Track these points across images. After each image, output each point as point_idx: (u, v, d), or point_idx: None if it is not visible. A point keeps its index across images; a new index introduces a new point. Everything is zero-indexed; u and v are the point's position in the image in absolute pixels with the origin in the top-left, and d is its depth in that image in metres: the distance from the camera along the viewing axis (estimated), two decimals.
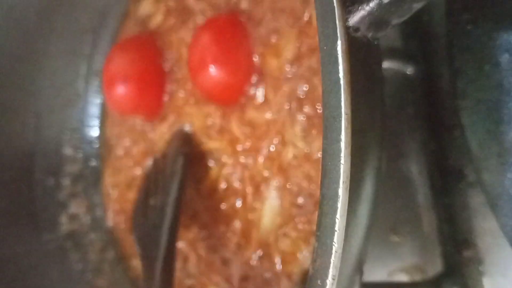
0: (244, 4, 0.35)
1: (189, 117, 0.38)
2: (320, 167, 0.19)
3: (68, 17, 0.45)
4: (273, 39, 0.33)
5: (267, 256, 0.33)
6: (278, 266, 0.32)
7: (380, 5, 0.19)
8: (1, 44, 0.43)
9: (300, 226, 0.31)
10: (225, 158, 0.36)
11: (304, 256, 0.31)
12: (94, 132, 0.48)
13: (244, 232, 0.35)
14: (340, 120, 0.18)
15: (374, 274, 0.37)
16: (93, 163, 0.48)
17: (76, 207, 0.46)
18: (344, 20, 0.18)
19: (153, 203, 0.37)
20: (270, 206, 0.32)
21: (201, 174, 0.37)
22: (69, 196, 0.46)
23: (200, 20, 0.38)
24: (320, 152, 0.30)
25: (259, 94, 0.33)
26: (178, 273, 0.38)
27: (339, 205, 0.18)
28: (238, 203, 0.35)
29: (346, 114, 0.18)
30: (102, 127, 0.47)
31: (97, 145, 0.48)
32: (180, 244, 0.39)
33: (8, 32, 0.43)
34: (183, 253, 0.39)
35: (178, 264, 0.39)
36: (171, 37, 0.40)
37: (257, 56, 0.33)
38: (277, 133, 0.32)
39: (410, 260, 0.37)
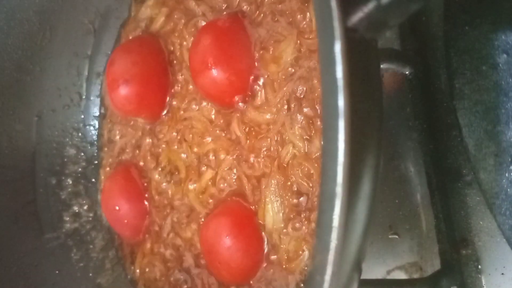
0: (244, 7, 0.35)
1: (190, 117, 0.38)
2: (320, 166, 0.19)
3: (70, 18, 0.45)
4: (273, 41, 0.33)
5: (271, 254, 0.33)
6: (282, 263, 0.32)
7: (378, 6, 0.19)
8: (3, 45, 0.43)
9: (300, 224, 0.31)
10: (225, 157, 0.36)
11: (305, 253, 0.31)
12: (95, 132, 0.48)
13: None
14: (339, 120, 0.18)
15: (373, 271, 0.37)
16: (95, 162, 0.48)
17: (78, 206, 0.46)
18: (343, 21, 0.18)
19: None
20: (271, 205, 0.33)
21: (200, 173, 0.37)
22: (71, 195, 0.46)
23: (201, 22, 0.38)
24: (319, 152, 0.30)
25: (260, 94, 0.34)
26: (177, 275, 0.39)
27: (338, 203, 0.18)
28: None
29: (345, 114, 0.18)
30: (103, 127, 0.48)
31: (98, 145, 0.48)
32: (177, 244, 0.39)
33: (10, 33, 0.43)
34: (181, 253, 0.39)
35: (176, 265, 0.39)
36: (173, 39, 0.40)
37: (257, 58, 0.34)
38: (277, 133, 0.33)
39: (408, 258, 0.37)
